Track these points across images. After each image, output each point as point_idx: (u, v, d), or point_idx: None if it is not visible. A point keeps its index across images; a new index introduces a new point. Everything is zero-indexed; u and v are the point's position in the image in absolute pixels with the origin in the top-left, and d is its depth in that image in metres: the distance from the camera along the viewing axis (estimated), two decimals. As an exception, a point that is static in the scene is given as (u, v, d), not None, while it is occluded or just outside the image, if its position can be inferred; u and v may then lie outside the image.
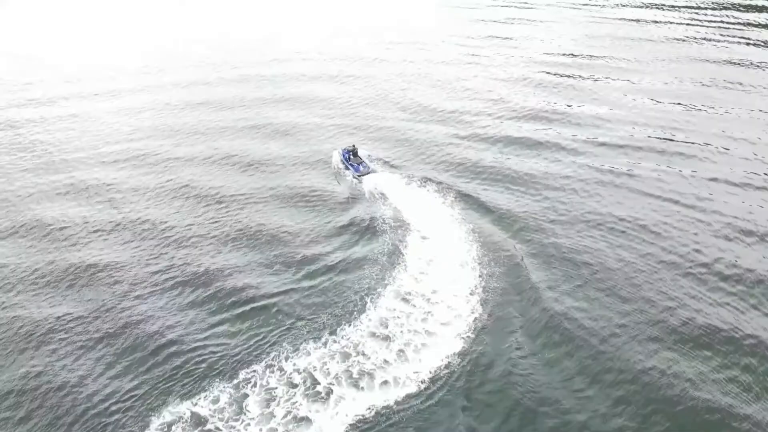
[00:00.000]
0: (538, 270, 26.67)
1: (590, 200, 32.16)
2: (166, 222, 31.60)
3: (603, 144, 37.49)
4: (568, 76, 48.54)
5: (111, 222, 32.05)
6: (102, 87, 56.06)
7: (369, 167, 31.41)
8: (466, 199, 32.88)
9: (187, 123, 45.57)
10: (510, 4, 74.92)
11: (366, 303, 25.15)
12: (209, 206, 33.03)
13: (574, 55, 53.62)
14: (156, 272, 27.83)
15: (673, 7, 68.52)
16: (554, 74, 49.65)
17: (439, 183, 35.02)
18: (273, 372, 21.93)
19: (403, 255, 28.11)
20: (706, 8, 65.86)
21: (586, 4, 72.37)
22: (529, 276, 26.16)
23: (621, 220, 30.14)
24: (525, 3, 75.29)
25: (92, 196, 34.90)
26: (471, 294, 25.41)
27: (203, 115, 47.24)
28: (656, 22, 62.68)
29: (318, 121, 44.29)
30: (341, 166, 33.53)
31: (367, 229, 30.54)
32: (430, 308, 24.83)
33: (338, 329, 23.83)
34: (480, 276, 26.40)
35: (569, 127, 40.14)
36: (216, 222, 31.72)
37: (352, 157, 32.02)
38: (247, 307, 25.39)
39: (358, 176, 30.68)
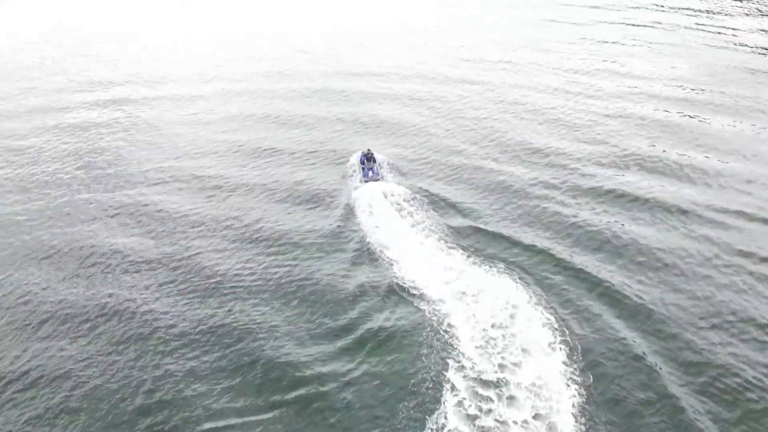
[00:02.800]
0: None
1: (727, 290, 20.09)
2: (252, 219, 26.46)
3: (742, 214, 24.41)
4: (690, 116, 35.16)
5: (212, 216, 26.99)
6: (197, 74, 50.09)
7: (378, 174, 28.43)
8: (535, 263, 21.63)
9: (287, 113, 39.78)
10: (609, 15, 60.56)
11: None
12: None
13: (697, 89, 39.90)
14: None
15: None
16: (670, 112, 35.00)
17: (482, 216, 24.80)
18: None
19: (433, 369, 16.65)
20: None
21: (710, 24, 57.45)
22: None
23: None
24: (629, 20, 60.30)
25: (194, 184, 30.21)
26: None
27: (301, 107, 40.65)
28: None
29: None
30: (356, 167, 29.95)
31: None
32: None
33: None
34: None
35: (692, 185, 26.67)
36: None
37: (365, 161, 29.16)
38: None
39: (365, 181, 28.05)
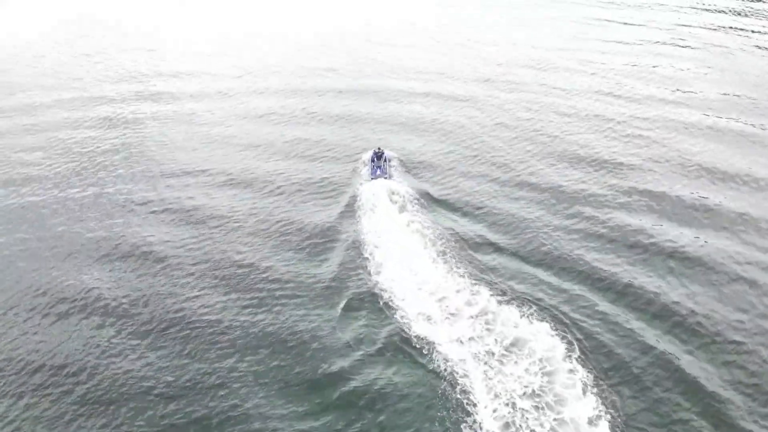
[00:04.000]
0: None
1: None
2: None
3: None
4: (742, 123, 31.83)
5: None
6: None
7: (386, 173, 28.06)
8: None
9: (307, 109, 37.74)
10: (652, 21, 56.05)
11: None
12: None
13: (744, 96, 36.21)
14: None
15: None
16: (721, 119, 31.40)
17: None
18: None
19: None
20: None
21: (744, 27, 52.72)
22: None
23: None
24: (654, 21, 56.01)
25: (220, 180, 28.72)
26: None
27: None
28: None
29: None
30: (367, 164, 29.41)
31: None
32: None
33: None
34: None
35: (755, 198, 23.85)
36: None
37: (376, 159, 28.84)
38: None
39: (372, 178, 27.84)
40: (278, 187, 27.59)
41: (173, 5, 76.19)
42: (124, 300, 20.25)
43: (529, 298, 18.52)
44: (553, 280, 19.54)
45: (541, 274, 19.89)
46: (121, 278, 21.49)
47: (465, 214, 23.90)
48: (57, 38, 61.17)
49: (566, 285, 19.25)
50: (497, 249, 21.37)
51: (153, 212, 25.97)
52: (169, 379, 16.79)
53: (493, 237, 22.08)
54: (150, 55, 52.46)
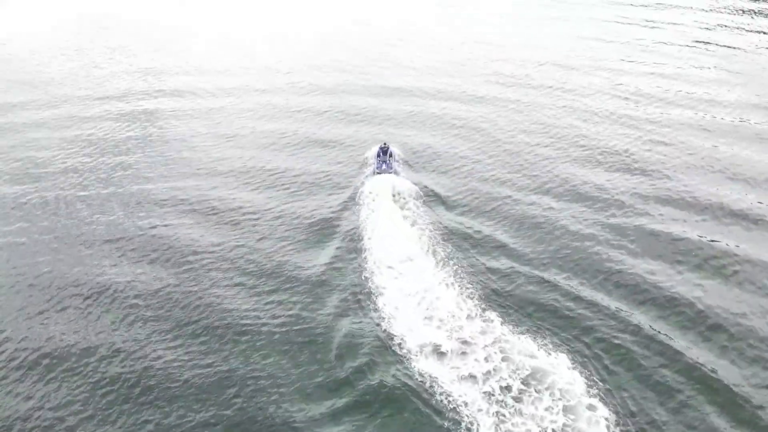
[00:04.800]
0: None
1: None
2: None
3: None
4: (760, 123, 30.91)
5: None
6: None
7: (391, 168, 28.50)
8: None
9: (322, 107, 37.65)
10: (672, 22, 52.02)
11: None
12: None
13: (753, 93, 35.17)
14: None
15: None
16: (759, 125, 30.76)
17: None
18: None
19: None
20: None
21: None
22: None
23: None
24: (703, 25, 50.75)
25: (243, 175, 28.98)
26: None
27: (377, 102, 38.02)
28: None
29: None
30: (373, 159, 29.79)
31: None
32: None
33: None
34: None
35: None
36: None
37: (381, 154, 29.24)
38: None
39: (377, 173, 28.42)
40: (281, 183, 27.87)
41: (173, 5, 75.93)
42: (133, 298, 20.14)
43: (546, 319, 17.56)
44: (574, 293, 18.56)
45: (559, 286, 18.93)
46: (130, 279, 21.34)
47: (471, 216, 23.31)
48: (58, 38, 60.82)
49: (588, 299, 18.24)
50: (505, 253, 20.65)
51: (164, 209, 25.88)
52: (182, 379, 16.54)
53: (502, 240, 21.40)
54: (153, 55, 52.27)
